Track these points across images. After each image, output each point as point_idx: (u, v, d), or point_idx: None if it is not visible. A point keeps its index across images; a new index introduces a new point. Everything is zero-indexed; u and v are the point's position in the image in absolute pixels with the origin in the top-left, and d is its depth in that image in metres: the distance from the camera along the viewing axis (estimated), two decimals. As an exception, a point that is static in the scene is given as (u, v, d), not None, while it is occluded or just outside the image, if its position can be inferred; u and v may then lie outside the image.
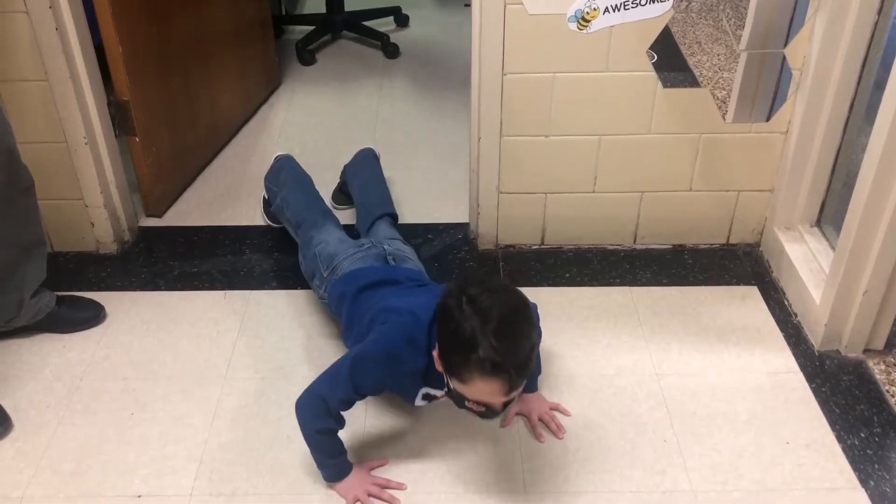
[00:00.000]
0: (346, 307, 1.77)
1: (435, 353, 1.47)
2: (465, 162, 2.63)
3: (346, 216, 2.33)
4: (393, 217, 2.16)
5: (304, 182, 2.26)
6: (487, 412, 1.46)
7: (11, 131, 1.78)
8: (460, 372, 1.39)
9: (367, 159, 2.41)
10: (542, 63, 2.00)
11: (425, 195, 2.54)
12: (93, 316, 2.04)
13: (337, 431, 1.58)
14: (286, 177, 2.28)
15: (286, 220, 2.19)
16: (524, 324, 1.39)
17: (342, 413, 1.58)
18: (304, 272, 2.02)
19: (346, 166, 2.42)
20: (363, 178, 2.33)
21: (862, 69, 1.93)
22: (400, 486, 1.63)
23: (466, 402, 1.45)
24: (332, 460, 1.61)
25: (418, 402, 1.64)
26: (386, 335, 1.57)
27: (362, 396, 1.58)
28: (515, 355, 1.36)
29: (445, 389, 1.54)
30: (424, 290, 1.73)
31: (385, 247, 1.91)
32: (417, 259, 1.97)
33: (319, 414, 1.55)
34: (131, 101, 2.25)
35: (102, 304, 2.07)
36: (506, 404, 1.44)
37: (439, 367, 1.47)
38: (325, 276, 1.88)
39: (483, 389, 1.39)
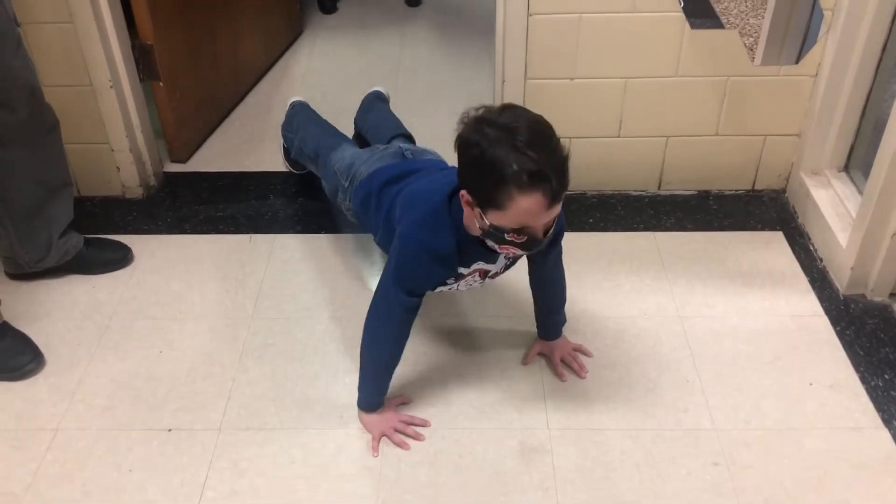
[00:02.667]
0: (371, 209, 1.71)
1: (463, 194, 1.37)
2: (488, 108, 2.61)
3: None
4: (407, 136, 2.13)
5: (317, 119, 2.27)
6: (528, 242, 1.35)
7: (34, 69, 1.78)
8: (496, 197, 1.28)
9: (373, 103, 2.40)
10: (568, 3, 1.97)
11: (448, 141, 2.50)
12: (120, 257, 2.07)
13: (398, 358, 1.60)
14: (300, 120, 2.28)
15: (307, 159, 2.17)
16: (552, 132, 1.30)
17: (409, 328, 1.57)
18: (329, 193, 1.99)
19: (355, 118, 2.41)
20: (372, 120, 2.32)
21: (896, 9, 1.89)
22: (424, 423, 1.66)
23: (507, 235, 1.34)
24: (377, 389, 1.63)
25: (451, 283, 1.58)
26: (407, 234, 1.51)
27: (419, 297, 1.54)
28: (552, 160, 1.26)
29: (479, 266, 1.51)
30: (446, 172, 1.66)
31: (400, 145, 1.87)
32: (438, 154, 1.89)
33: (388, 333, 1.56)
34: (155, 45, 2.25)
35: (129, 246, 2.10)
36: (546, 232, 1.36)
37: (469, 210, 1.37)
38: (346, 186, 1.84)
39: (524, 208, 1.28)
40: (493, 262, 1.55)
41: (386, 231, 1.64)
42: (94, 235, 2.09)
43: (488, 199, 1.32)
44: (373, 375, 1.63)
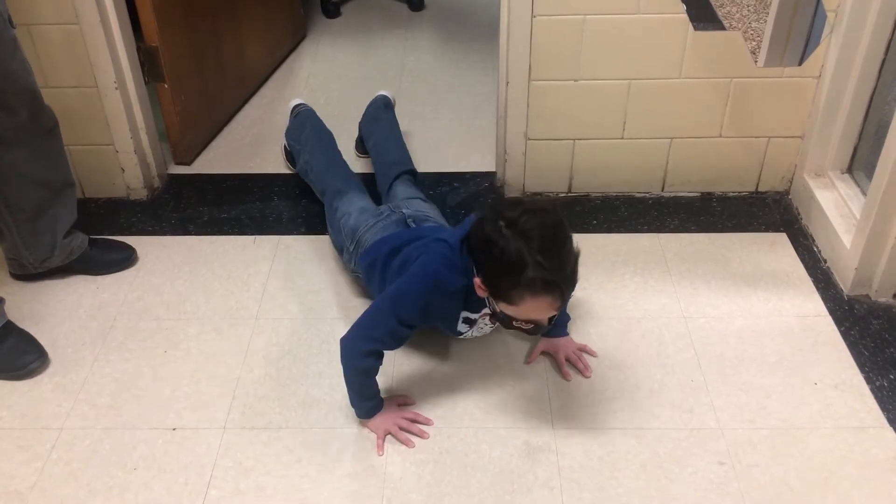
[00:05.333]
0: (377, 274, 1.77)
1: (477, 281, 1.48)
2: (491, 113, 2.63)
3: (369, 164, 2.34)
4: (411, 173, 2.15)
5: (325, 142, 2.25)
6: (535, 328, 1.49)
7: (31, 70, 1.78)
8: (509, 295, 1.41)
9: (379, 112, 2.39)
10: (573, 4, 1.98)
11: (451, 145, 2.54)
12: (125, 258, 2.07)
13: (376, 371, 1.61)
14: (308, 136, 2.28)
15: (311, 183, 2.20)
16: (565, 238, 1.41)
17: (386, 350, 1.61)
18: (334, 245, 2.05)
19: (360, 122, 2.42)
20: (377, 136, 2.32)
21: (899, 10, 1.90)
22: (427, 421, 1.66)
23: (514, 322, 1.48)
24: (368, 402, 1.64)
25: (460, 326, 1.66)
26: (425, 264, 1.59)
27: (409, 328, 1.58)
28: (563, 270, 1.39)
29: (488, 311, 1.58)
30: (451, 231, 1.76)
31: (404, 210, 1.90)
32: (439, 214, 1.98)
33: (364, 353, 1.58)
34: (160, 48, 2.26)
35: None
36: (552, 318, 1.47)
37: (482, 293, 1.49)
38: (351, 250, 1.90)
39: (534, 308, 1.41)
40: None
41: (394, 280, 1.68)
42: (98, 236, 2.10)
43: (501, 295, 1.43)
44: (357, 389, 1.63)
